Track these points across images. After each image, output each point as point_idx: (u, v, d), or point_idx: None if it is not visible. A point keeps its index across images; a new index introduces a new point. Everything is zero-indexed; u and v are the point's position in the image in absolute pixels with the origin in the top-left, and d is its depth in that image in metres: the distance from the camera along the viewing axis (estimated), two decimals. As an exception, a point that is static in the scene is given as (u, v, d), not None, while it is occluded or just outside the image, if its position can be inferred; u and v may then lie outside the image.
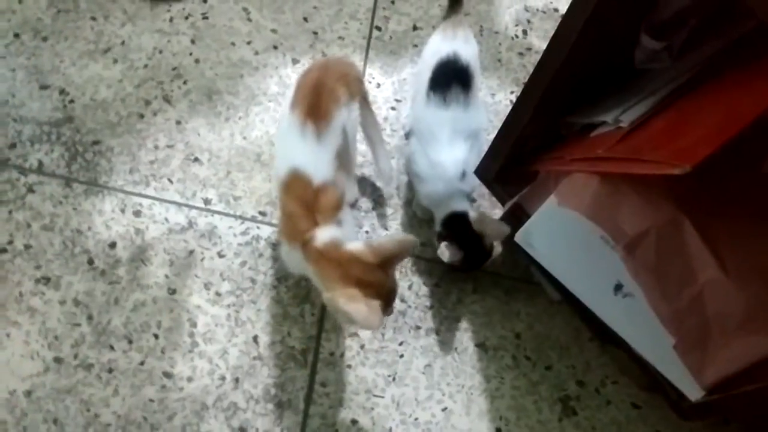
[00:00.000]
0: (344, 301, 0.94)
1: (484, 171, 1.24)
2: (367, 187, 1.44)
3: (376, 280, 1.00)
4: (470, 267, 1.31)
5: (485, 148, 1.25)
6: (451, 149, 1.24)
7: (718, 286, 0.92)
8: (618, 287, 1.04)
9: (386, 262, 1.01)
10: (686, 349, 0.99)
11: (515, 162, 1.18)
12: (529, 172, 1.17)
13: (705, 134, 0.83)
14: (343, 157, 1.14)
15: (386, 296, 1.02)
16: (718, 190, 0.94)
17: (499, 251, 1.24)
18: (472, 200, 1.42)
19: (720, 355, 0.96)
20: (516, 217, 1.20)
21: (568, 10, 0.88)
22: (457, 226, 1.24)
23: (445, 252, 1.21)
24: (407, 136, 1.49)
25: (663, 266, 0.95)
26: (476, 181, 1.28)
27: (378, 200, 1.43)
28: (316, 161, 1.08)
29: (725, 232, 0.92)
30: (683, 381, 1.02)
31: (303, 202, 1.06)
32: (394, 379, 1.25)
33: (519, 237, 1.16)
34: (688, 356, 0.99)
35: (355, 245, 1.02)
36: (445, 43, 1.33)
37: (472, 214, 1.23)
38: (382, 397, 1.23)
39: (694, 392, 1.02)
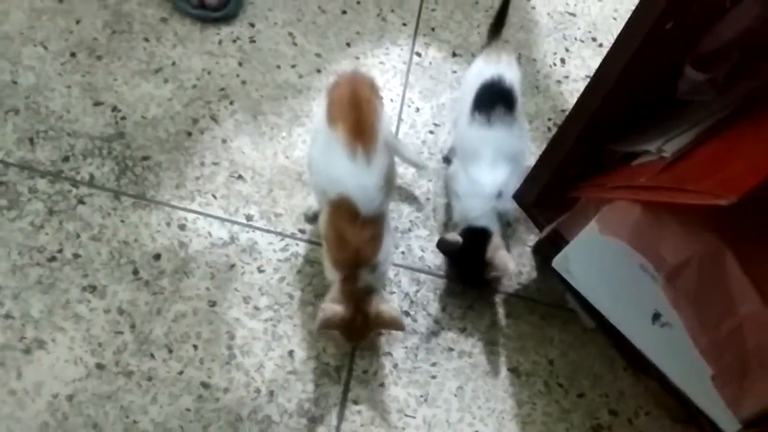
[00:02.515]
0: None
1: (522, 195, 1.26)
2: (404, 209, 1.46)
3: None
4: (460, 275, 1.35)
5: (524, 172, 1.26)
6: (492, 169, 1.27)
7: (759, 319, 0.91)
8: (656, 316, 1.04)
9: None
10: (724, 382, 0.98)
11: (555, 188, 1.19)
12: (569, 198, 1.18)
13: (750, 166, 0.84)
14: (388, 179, 1.16)
15: None
16: (761, 221, 0.94)
17: (510, 272, 1.27)
18: (508, 224, 1.43)
19: (758, 388, 0.95)
20: (553, 243, 1.21)
21: (616, 41, 0.90)
22: (474, 238, 1.26)
23: (449, 234, 1.26)
24: (445, 160, 1.52)
25: (703, 297, 0.95)
26: (512, 205, 1.30)
27: (415, 222, 1.45)
28: (365, 190, 1.11)
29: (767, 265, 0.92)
30: (720, 414, 1.01)
31: (349, 234, 1.12)
32: (426, 399, 1.25)
33: (557, 262, 1.17)
34: (726, 388, 0.98)
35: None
36: (489, 66, 1.36)
37: (494, 239, 1.26)
38: (414, 417, 1.23)
39: (730, 426, 1.00)
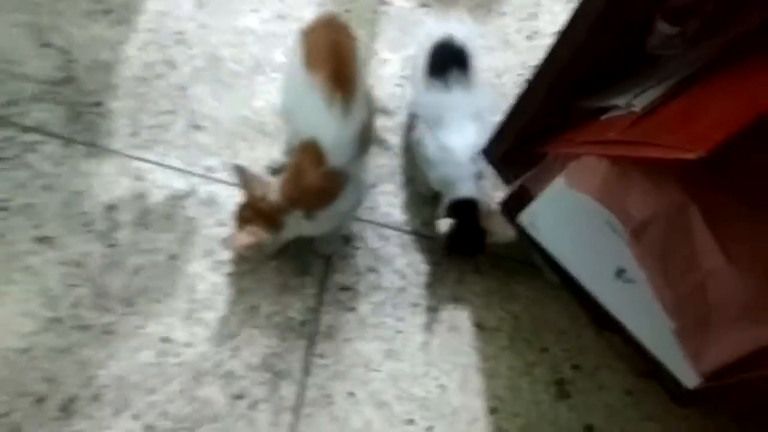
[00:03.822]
0: None
1: (490, 151, 1.24)
2: (369, 163, 1.43)
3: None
4: (460, 250, 1.31)
5: (491, 128, 1.24)
6: (460, 133, 1.24)
7: (722, 274, 0.92)
8: (620, 272, 1.04)
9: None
10: (686, 336, 1.00)
11: (523, 143, 1.17)
12: (537, 154, 1.17)
13: (719, 120, 0.83)
14: (364, 134, 1.13)
15: None
16: (728, 176, 0.94)
17: (512, 236, 1.23)
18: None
19: (719, 342, 0.97)
20: (520, 199, 1.20)
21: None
22: (464, 212, 1.24)
23: (441, 224, 1.21)
24: (411, 115, 1.48)
25: (668, 252, 0.95)
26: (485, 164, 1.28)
27: (381, 177, 1.42)
28: (338, 140, 1.08)
29: (732, 219, 0.92)
30: (681, 367, 1.03)
31: (306, 174, 1.08)
32: (391, 354, 1.25)
33: (523, 218, 1.16)
34: (687, 342, 1.00)
35: None
36: (439, 25, 1.32)
37: (483, 206, 1.23)
38: (379, 371, 1.23)
39: (691, 379, 1.02)
